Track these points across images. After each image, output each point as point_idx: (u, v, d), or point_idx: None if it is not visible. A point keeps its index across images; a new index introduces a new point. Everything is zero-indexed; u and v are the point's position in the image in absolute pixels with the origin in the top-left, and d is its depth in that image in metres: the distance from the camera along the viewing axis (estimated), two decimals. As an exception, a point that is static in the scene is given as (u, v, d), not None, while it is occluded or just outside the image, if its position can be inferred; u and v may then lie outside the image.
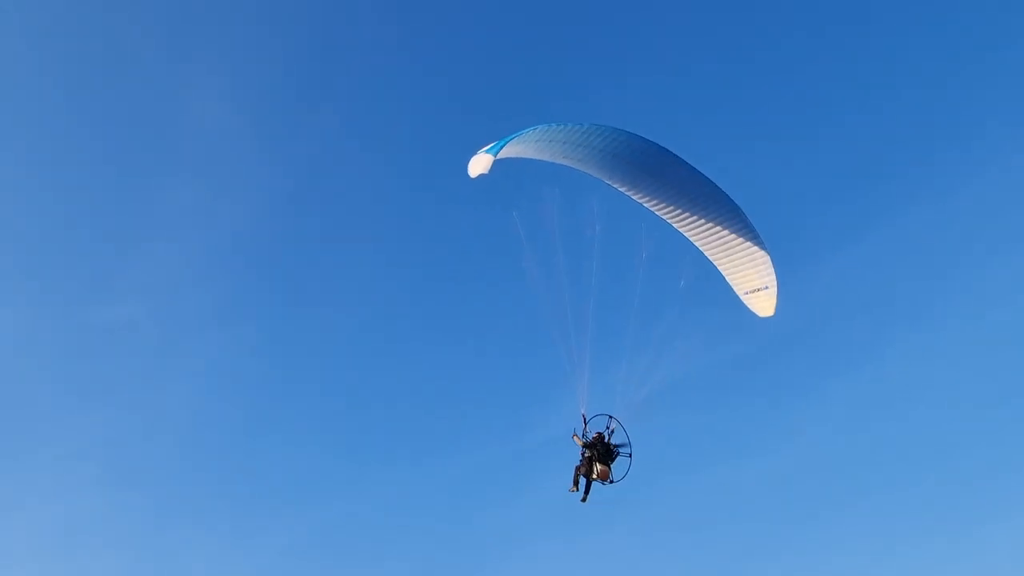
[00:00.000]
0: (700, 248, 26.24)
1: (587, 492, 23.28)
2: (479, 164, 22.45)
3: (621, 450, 23.42)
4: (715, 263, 26.43)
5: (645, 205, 25.67)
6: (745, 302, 26.55)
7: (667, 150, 24.82)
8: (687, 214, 25.77)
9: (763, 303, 26.28)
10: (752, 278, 26.27)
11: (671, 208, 25.71)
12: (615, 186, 25.15)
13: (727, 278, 26.60)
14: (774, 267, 25.90)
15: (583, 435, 23.40)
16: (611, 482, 23.10)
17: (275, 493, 61.05)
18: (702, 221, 25.83)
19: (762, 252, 25.90)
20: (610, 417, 23.56)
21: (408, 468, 61.45)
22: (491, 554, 56.54)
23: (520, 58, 72.08)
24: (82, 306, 66.85)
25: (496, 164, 22.63)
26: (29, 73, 67.69)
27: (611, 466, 23.26)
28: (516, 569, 55.36)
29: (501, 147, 22.37)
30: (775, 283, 25.99)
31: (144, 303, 67.81)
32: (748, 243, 25.89)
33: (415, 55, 73.19)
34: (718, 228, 25.87)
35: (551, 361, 23.87)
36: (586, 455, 23.27)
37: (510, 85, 70.33)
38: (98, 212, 69.36)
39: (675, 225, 26.06)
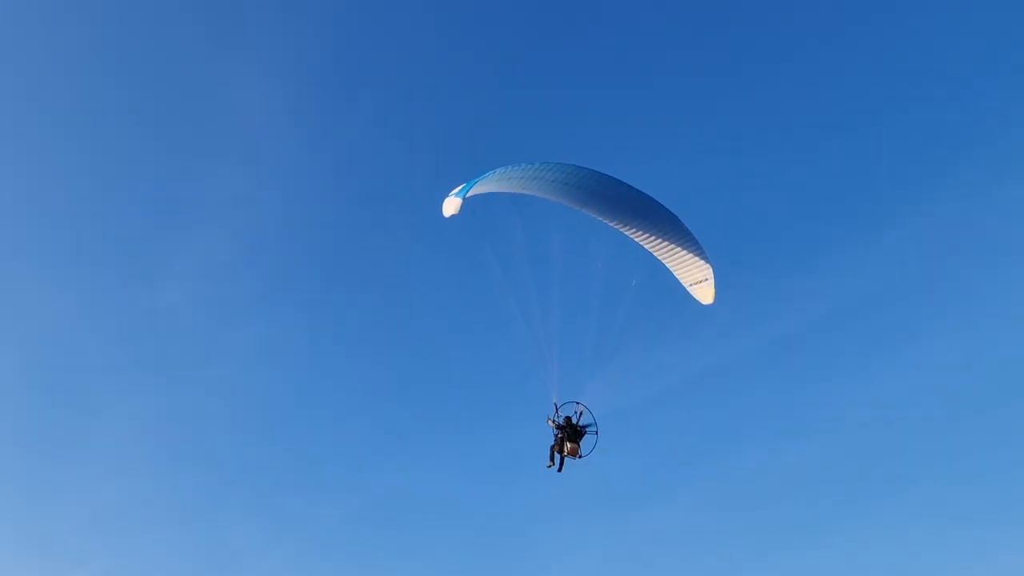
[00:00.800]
0: (648, 249, 31.12)
1: (561, 465, 28.43)
2: (450, 206, 27.42)
3: (588, 429, 28.49)
4: (662, 261, 31.33)
5: (599, 219, 30.54)
6: (691, 292, 31.48)
7: (607, 175, 29.68)
8: (634, 224, 30.60)
9: (704, 292, 31.20)
10: (693, 272, 31.18)
11: (620, 220, 30.55)
12: (573, 207, 29.99)
13: (674, 273, 31.52)
14: (710, 263, 30.82)
15: (555, 418, 28.47)
16: (580, 456, 28.22)
17: (324, 468, 67.17)
18: (646, 228, 30.67)
19: (699, 250, 30.80)
20: (577, 403, 28.62)
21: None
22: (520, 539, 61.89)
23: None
24: (135, 289, 72.13)
25: (466, 203, 27.71)
26: (81, 62, 72.79)
27: (580, 443, 28.34)
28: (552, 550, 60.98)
29: (467, 190, 27.31)
30: (712, 275, 30.90)
31: (191, 286, 72.99)
32: (687, 243, 30.78)
33: (453, 40, 77.11)
34: (660, 233, 30.72)
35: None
36: (558, 436, 28.36)
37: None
38: (149, 199, 74.31)
39: (625, 233, 30.91)
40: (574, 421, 28.59)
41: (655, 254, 31.24)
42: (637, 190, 30.01)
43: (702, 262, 31.01)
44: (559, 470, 28.46)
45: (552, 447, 28.40)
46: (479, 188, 27.79)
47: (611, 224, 30.55)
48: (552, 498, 59.64)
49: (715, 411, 64.20)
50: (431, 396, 69.51)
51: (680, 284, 31.36)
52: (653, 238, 30.92)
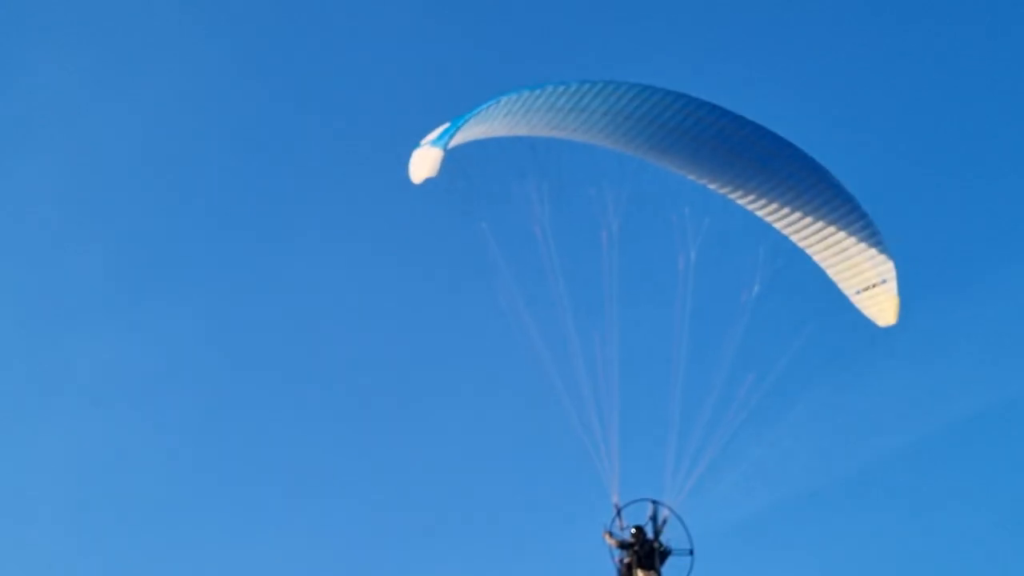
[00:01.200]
0: (781, 230, 18.68)
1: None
2: (423, 163, 15.62)
3: (674, 548, 16.49)
4: (808, 251, 18.81)
5: (691, 178, 18.32)
6: (858, 304, 18.83)
7: (699, 100, 17.51)
8: (756, 187, 18.27)
9: (881, 303, 18.49)
10: (862, 270, 18.54)
11: (731, 181, 18.26)
12: (643, 157, 17.89)
13: (828, 271, 18.95)
14: (890, 255, 18.19)
15: (617, 532, 16.56)
16: (658, 597, 16.21)
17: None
18: (778, 193, 18.28)
19: (871, 232, 18.25)
20: (653, 503, 16.59)
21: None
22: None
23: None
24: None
25: (450, 157, 15.83)
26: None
27: (659, 569, 16.42)
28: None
29: (451, 135, 15.44)
30: (894, 275, 18.22)
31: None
32: (849, 220, 18.29)
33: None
34: (804, 202, 18.30)
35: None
36: (624, 560, 16.46)
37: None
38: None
39: (741, 203, 18.58)
40: (649, 534, 16.57)
41: (795, 239, 18.71)
42: (758, 126, 17.75)
43: (875, 253, 18.26)
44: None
45: (621, 579, 16.54)
46: (472, 130, 15.91)
47: (714, 187, 18.31)
48: None
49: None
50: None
51: (840, 291, 18.78)
52: (790, 211, 18.41)
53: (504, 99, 15.75)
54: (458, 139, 15.74)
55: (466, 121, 15.53)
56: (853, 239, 18.31)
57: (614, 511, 16.54)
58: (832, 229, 18.36)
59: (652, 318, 17.73)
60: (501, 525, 41.15)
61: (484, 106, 15.61)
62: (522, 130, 16.57)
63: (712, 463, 16.67)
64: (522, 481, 41.75)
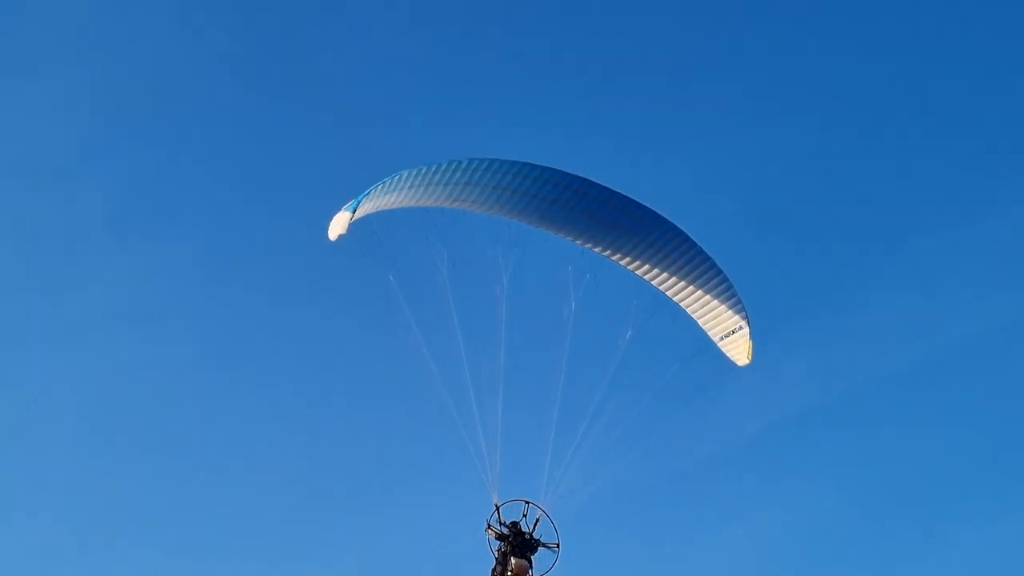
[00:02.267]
0: (656, 285, 22.31)
1: (523, 581, 19.53)
2: (336, 224, 19.53)
3: (545, 541, 19.65)
4: (681, 304, 22.39)
5: (578, 243, 22.04)
6: (722, 348, 22.36)
7: (593, 182, 21.32)
8: (638, 249, 21.96)
9: (738, 347, 22.01)
10: (723, 320, 22.13)
11: (614, 247, 21.97)
12: (532, 226, 21.65)
13: (699, 321, 22.51)
14: (744, 307, 21.79)
15: (497, 526, 19.74)
16: (523, 581, 19.30)
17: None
18: (651, 254, 21.96)
19: (728, 288, 21.88)
20: (527, 503, 19.84)
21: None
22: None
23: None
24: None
25: (367, 222, 19.81)
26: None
27: (531, 558, 19.52)
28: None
29: (360, 200, 19.38)
30: (747, 324, 21.79)
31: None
32: (710, 277, 21.90)
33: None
34: (677, 262, 21.97)
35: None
36: (501, 549, 19.60)
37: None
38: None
39: (624, 264, 22.26)
40: (524, 529, 19.73)
41: (667, 293, 22.36)
42: (628, 198, 21.55)
43: (731, 305, 21.94)
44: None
45: (493, 569, 19.61)
46: (383, 199, 19.82)
47: (594, 249, 22.00)
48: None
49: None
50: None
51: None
52: (659, 271, 22.13)
53: (406, 173, 19.67)
54: (371, 207, 19.61)
55: (374, 189, 19.45)
56: (712, 294, 21.91)
57: (494, 509, 19.74)
58: (694, 286, 21.98)
59: (536, 355, 21.19)
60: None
61: (389, 178, 19.55)
62: (426, 201, 20.33)
63: (578, 471, 20.02)
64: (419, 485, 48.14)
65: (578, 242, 21.79)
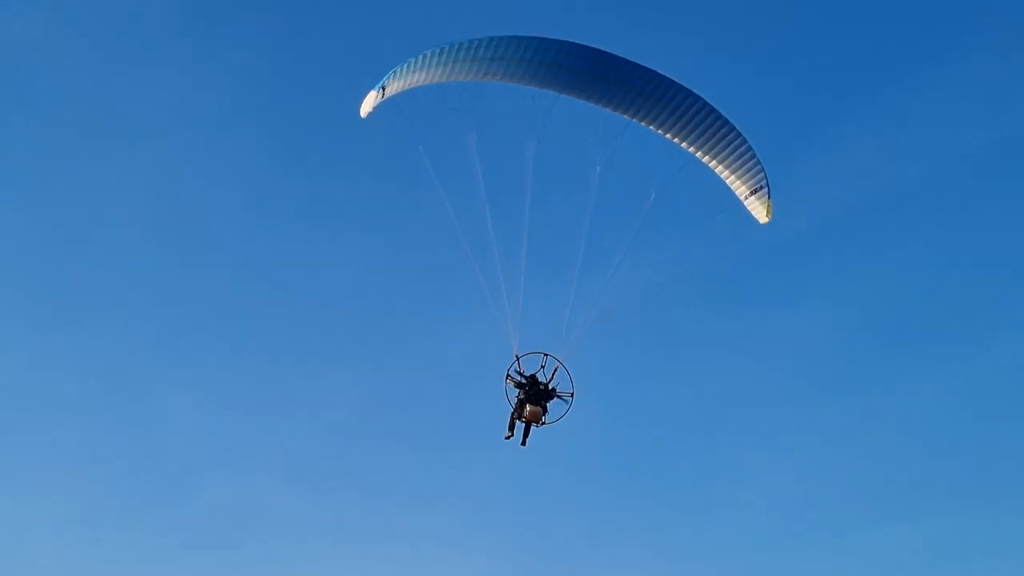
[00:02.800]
0: (684, 147, 23.22)
1: (525, 435, 21.98)
2: (366, 102, 21.20)
3: (560, 391, 21.83)
4: (707, 163, 23.32)
5: (605, 109, 22.98)
6: (746, 205, 23.38)
7: (613, 53, 22.11)
8: (664, 114, 22.78)
9: (758, 208, 23.02)
10: (748, 179, 23.04)
11: (641, 107, 22.83)
12: (562, 95, 22.68)
13: (724, 179, 23.45)
14: (762, 166, 22.62)
15: (516, 375, 21.99)
16: (543, 423, 21.65)
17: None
18: (681, 119, 22.78)
19: (750, 150, 22.68)
20: (545, 355, 21.93)
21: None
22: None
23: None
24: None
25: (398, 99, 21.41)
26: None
27: (547, 406, 21.76)
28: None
29: (388, 78, 20.92)
30: (767, 182, 22.69)
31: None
32: (737, 139, 22.70)
33: None
34: (701, 126, 22.77)
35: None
36: (519, 397, 21.91)
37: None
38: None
39: (650, 125, 23.15)
40: (542, 379, 21.93)
41: (695, 154, 23.26)
42: (653, 70, 22.31)
43: (753, 166, 22.83)
44: (522, 443, 22.04)
45: (512, 414, 21.98)
46: (412, 76, 21.24)
47: (624, 114, 22.89)
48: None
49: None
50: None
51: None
52: (689, 132, 22.96)
53: (430, 52, 20.96)
54: (399, 86, 21.11)
55: (400, 69, 20.90)
56: (734, 155, 22.74)
57: (514, 359, 21.94)
58: (717, 148, 22.80)
59: (560, 219, 22.78)
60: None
61: (414, 57, 20.91)
62: (452, 76, 21.59)
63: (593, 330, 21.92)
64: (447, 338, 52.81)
65: (607, 108, 22.64)
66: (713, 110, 22.44)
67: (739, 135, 22.50)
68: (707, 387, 52.40)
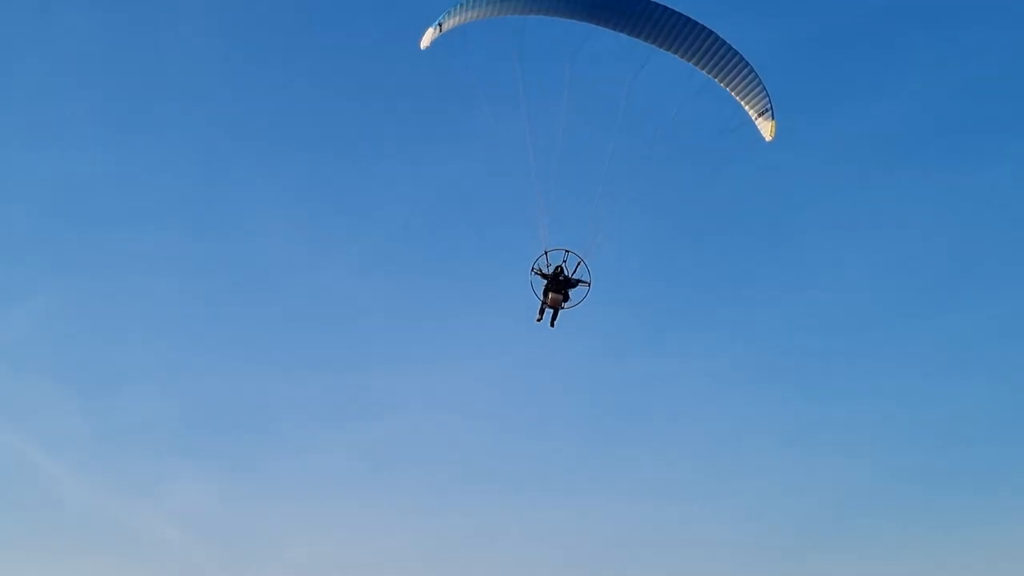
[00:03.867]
0: (703, 72, 26.60)
1: (553, 318, 26.79)
2: (426, 37, 25.17)
3: (580, 278, 26.40)
4: (722, 85, 26.74)
5: (637, 38, 26.35)
6: (758, 125, 26.90)
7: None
8: (684, 40, 26.10)
9: (765, 127, 26.55)
10: (756, 102, 26.49)
11: (670, 39, 26.12)
12: (599, 26, 26.08)
13: (740, 100, 26.91)
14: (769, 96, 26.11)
15: (543, 268, 26.60)
16: (563, 307, 26.41)
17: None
18: (700, 46, 26.09)
19: (757, 78, 26.07)
20: (567, 251, 26.43)
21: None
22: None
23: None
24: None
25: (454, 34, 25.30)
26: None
27: (568, 293, 26.42)
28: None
29: (444, 16, 24.77)
30: (771, 109, 26.17)
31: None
32: (745, 68, 26.06)
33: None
34: (717, 55, 26.12)
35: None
36: (545, 287, 26.59)
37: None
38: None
39: (676, 53, 26.49)
40: (566, 272, 26.57)
41: (715, 78, 26.68)
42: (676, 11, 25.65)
43: (760, 93, 26.28)
44: (551, 324, 26.91)
45: (542, 301, 26.75)
46: (466, 13, 24.99)
47: (652, 42, 26.22)
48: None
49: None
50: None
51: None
52: (708, 59, 26.33)
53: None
54: (452, 22, 24.93)
55: (453, 8, 24.69)
56: (743, 83, 26.11)
57: (542, 252, 26.52)
58: (733, 74, 26.15)
59: (589, 135, 26.75)
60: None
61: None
62: (507, 12, 25.21)
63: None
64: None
65: (638, 37, 25.95)
66: (726, 43, 25.70)
67: (747, 65, 25.81)
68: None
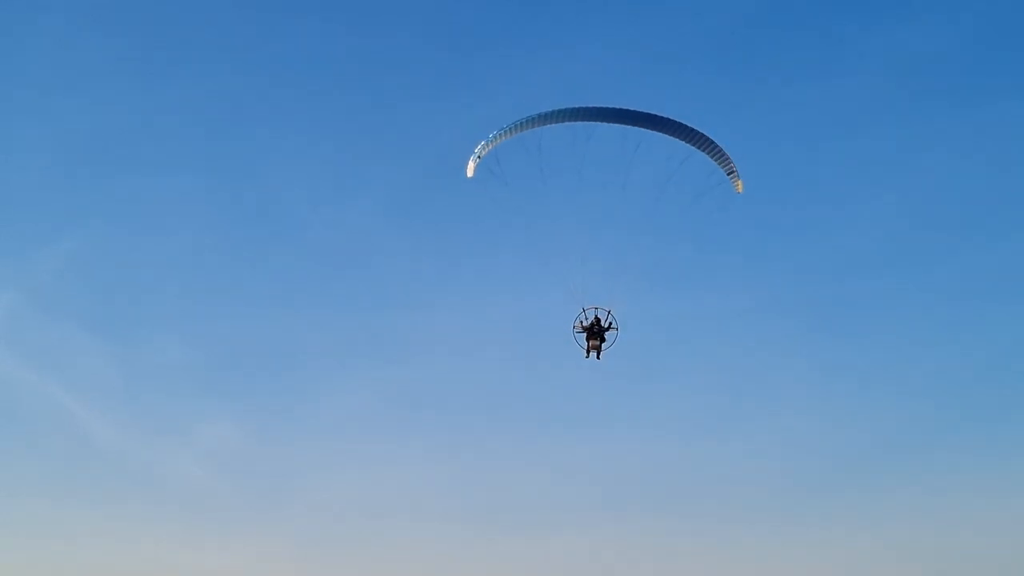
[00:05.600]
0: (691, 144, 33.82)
1: (599, 355, 34.62)
2: (468, 168, 32.52)
3: (612, 325, 34.20)
4: (709, 156, 34.00)
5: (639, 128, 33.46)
6: (731, 181, 34.19)
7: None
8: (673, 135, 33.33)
9: (736, 185, 33.88)
10: (727, 164, 33.79)
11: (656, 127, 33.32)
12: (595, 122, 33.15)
13: (718, 164, 34.15)
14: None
15: (583, 319, 34.37)
16: (599, 351, 34.27)
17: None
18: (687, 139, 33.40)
19: (725, 153, 33.38)
20: (596, 309, 34.20)
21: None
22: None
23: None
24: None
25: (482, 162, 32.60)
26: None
27: (605, 335, 34.25)
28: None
29: (477, 152, 32.09)
30: (736, 172, 33.53)
31: None
32: (716, 147, 33.30)
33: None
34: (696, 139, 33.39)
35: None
36: (584, 336, 34.45)
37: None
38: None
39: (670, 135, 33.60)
40: (600, 322, 34.29)
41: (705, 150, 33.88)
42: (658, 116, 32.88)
43: (726, 161, 33.57)
44: (598, 358, 34.72)
45: (586, 347, 34.53)
46: (491, 143, 32.28)
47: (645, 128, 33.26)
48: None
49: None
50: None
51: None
52: (694, 145, 33.62)
53: (507, 124, 31.82)
54: (485, 151, 32.20)
55: (486, 140, 31.94)
56: (715, 154, 33.33)
57: (580, 311, 34.23)
58: (708, 146, 33.34)
59: (608, 212, 34.07)
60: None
61: (495, 131, 31.84)
62: (529, 128, 32.36)
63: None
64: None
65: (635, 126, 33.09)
66: (704, 135, 32.95)
67: (716, 145, 33.04)
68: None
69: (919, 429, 63.10)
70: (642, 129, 33.23)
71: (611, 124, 33.07)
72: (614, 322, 34.28)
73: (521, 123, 32.01)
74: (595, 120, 32.87)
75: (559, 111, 32.23)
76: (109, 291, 68.87)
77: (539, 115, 32.09)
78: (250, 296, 70.72)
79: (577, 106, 32.41)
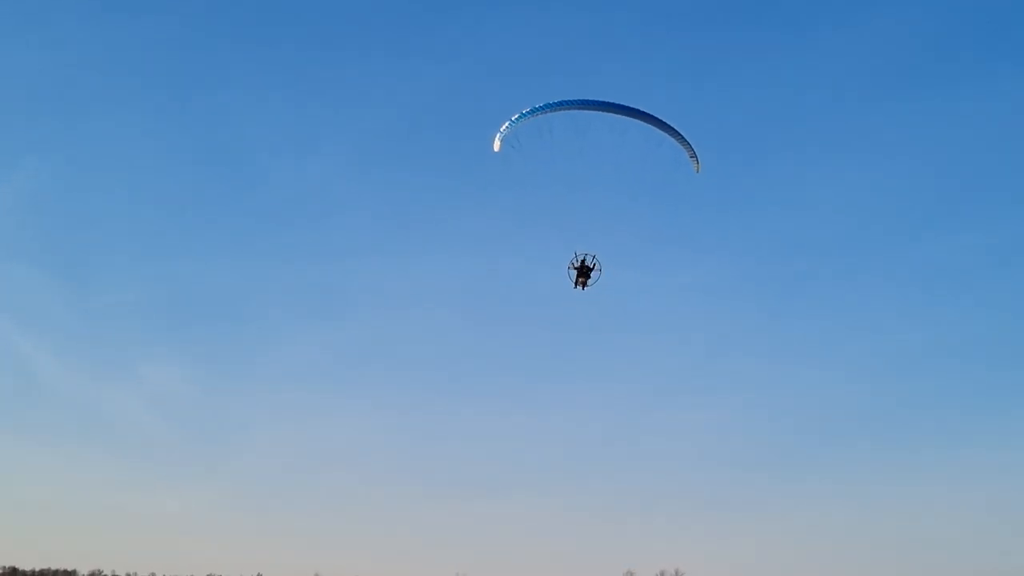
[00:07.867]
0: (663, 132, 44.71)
1: (584, 287, 45.86)
2: (495, 144, 43.04)
3: (597, 266, 45.46)
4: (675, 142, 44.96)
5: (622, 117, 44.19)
6: (691, 161, 45.35)
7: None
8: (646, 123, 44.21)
9: (694, 165, 45.09)
10: (687, 148, 44.90)
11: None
12: (593, 111, 43.82)
13: (683, 148, 45.22)
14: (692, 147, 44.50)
15: (575, 261, 45.58)
16: (585, 285, 45.55)
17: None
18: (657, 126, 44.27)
19: (684, 139, 44.42)
20: (586, 254, 45.43)
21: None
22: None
23: None
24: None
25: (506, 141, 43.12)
26: None
27: (590, 274, 45.55)
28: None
29: (506, 127, 42.61)
30: (696, 155, 44.67)
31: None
32: (677, 134, 44.33)
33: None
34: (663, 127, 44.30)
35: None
36: (575, 275, 45.74)
37: None
38: None
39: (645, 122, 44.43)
40: (586, 262, 45.51)
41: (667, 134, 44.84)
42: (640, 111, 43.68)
43: (686, 143, 44.74)
44: (583, 289, 45.89)
45: (576, 281, 45.77)
46: (515, 125, 42.81)
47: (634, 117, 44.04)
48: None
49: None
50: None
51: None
52: (661, 131, 44.55)
53: (527, 108, 42.39)
54: (509, 131, 42.76)
55: (511, 121, 42.51)
56: (677, 138, 44.32)
57: (574, 255, 45.40)
58: (672, 134, 44.28)
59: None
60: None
61: (517, 114, 42.41)
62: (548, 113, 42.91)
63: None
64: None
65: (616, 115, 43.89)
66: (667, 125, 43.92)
67: (677, 132, 44.07)
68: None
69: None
70: (624, 117, 44.15)
71: (605, 114, 43.94)
72: (598, 264, 45.52)
73: (537, 110, 42.69)
74: (599, 110, 43.61)
75: (565, 101, 42.94)
76: (61, 230, 74.58)
77: (550, 104, 42.73)
78: (206, 242, 77.73)
79: (577, 98, 43.04)
